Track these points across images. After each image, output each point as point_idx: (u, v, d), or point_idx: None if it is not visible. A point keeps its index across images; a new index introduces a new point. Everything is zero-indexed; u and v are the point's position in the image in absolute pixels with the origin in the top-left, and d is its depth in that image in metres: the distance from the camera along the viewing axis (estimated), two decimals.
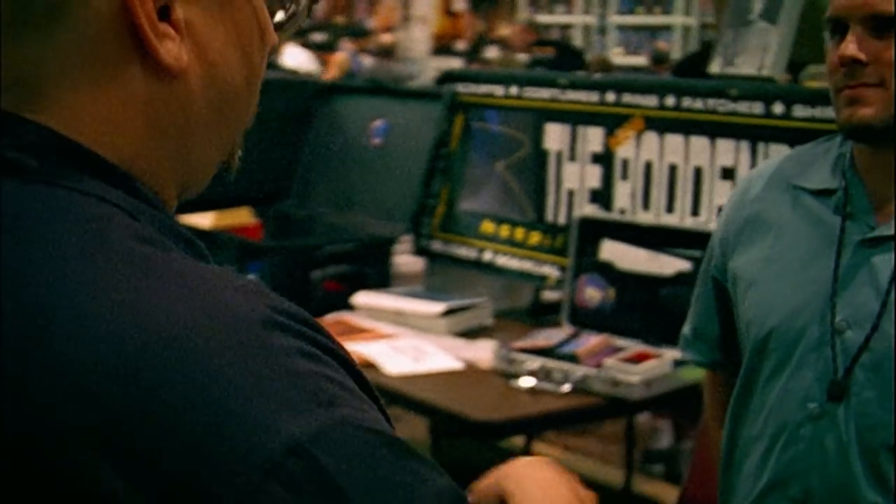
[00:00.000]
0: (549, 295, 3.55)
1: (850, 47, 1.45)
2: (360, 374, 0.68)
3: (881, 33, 1.45)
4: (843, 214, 1.54)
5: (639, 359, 2.87)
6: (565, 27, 10.00)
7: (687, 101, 3.03)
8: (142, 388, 0.61)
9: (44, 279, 0.64)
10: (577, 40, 9.62)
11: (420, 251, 3.70)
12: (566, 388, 2.74)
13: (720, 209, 2.98)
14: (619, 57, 8.69)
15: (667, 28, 9.34)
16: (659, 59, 8.55)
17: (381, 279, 3.55)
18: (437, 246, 3.67)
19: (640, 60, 8.78)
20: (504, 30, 8.88)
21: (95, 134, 0.70)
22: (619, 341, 3.00)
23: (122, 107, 0.71)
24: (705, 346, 1.80)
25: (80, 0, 0.69)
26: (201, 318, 0.63)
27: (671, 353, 2.89)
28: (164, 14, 0.71)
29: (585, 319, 3.13)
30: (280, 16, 0.81)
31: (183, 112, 0.73)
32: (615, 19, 9.68)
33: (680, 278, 3.01)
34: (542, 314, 3.48)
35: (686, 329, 1.83)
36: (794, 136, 2.81)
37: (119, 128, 0.71)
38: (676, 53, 8.67)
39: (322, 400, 0.62)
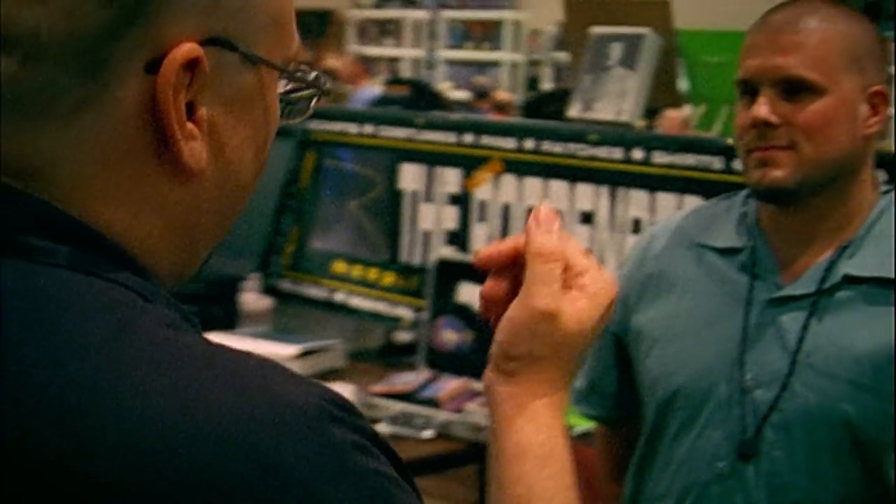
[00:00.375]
0: (401, 336, 3.51)
1: (763, 109, 1.47)
2: (394, 455, 0.66)
3: (792, 96, 1.47)
4: (751, 274, 1.55)
5: None
6: (394, 60, 10.03)
7: (546, 145, 3.05)
8: (194, 484, 0.58)
9: (75, 371, 0.60)
10: (406, 73, 9.65)
11: (268, 290, 3.60)
12: (428, 433, 2.71)
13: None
14: (448, 91, 8.76)
15: (495, 64, 9.47)
16: (480, 94, 8.65)
17: (228, 320, 3.44)
18: (286, 285, 3.58)
19: (468, 95, 8.87)
20: (332, 61, 8.83)
21: (105, 224, 0.68)
22: (479, 385, 2.98)
23: (134, 202, 0.68)
24: (600, 401, 1.79)
25: (108, 94, 0.66)
26: (257, 408, 0.60)
27: None
28: (189, 111, 0.67)
29: (443, 362, 3.10)
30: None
31: (195, 211, 0.71)
32: (444, 53, 9.77)
33: None
34: (394, 356, 3.43)
35: (579, 383, 1.81)
36: (653, 182, 2.86)
37: (129, 221, 0.69)
38: (505, 89, 8.78)
39: (379, 500, 0.61)
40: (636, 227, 2.90)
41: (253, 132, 0.72)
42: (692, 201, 2.81)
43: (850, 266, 1.49)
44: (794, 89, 1.47)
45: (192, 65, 0.67)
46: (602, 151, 2.93)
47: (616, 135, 2.92)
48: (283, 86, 0.75)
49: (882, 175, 1.57)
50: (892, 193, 1.55)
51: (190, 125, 0.68)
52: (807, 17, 1.48)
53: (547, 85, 8.85)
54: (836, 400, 1.46)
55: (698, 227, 1.65)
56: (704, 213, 1.67)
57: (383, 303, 3.37)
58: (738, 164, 2.69)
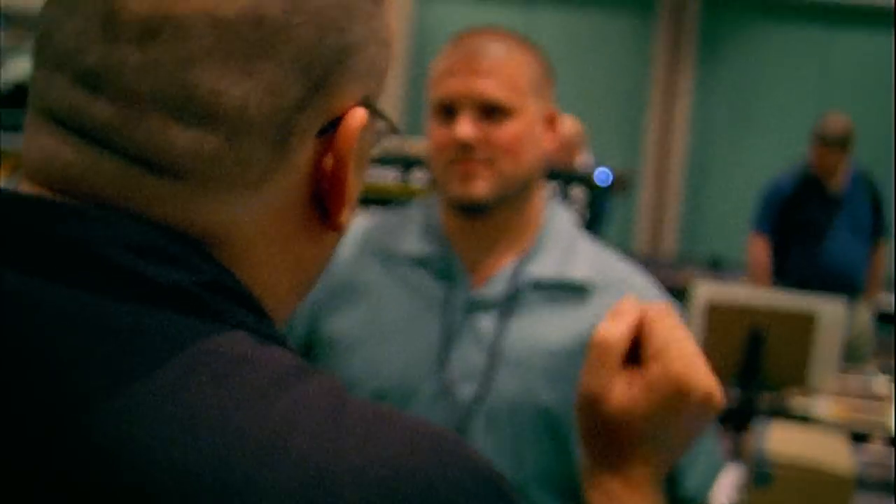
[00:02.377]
0: None
1: (466, 129, 1.59)
2: None
3: (489, 117, 1.61)
4: (445, 280, 1.67)
5: None
6: None
7: None
8: None
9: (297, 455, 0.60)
10: None
11: None
12: None
13: None
14: None
15: None
16: None
17: None
18: None
19: None
20: None
21: (256, 284, 0.69)
22: None
23: (281, 261, 0.70)
24: None
25: (288, 162, 0.67)
26: (468, 481, 0.63)
27: None
28: None
29: None
30: None
31: (316, 266, 0.73)
32: None
33: None
34: None
35: None
36: None
37: (274, 278, 0.70)
38: None
39: None
40: None
41: (361, 181, 0.73)
42: None
43: (534, 269, 1.67)
44: (491, 111, 1.61)
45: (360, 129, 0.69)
46: None
47: None
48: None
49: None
50: (556, 203, 1.75)
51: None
52: (498, 45, 1.62)
53: None
54: (534, 390, 1.62)
55: (384, 236, 1.73)
56: (387, 223, 1.76)
57: None
58: None
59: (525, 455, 1.63)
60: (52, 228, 0.63)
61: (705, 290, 3.96)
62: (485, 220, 1.66)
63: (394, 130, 0.75)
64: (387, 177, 2.92)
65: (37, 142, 0.66)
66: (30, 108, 0.67)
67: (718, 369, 3.84)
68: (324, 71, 0.66)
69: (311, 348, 1.76)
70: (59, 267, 0.62)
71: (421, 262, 1.70)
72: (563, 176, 2.75)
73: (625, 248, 8.51)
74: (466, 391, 1.64)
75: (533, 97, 1.64)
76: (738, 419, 3.68)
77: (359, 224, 1.78)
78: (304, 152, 0.67)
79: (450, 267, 1.69)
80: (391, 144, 3.34)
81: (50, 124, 0.65)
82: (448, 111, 1.63)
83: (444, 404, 1.64)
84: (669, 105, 9.16)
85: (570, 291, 1.66)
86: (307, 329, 1.75)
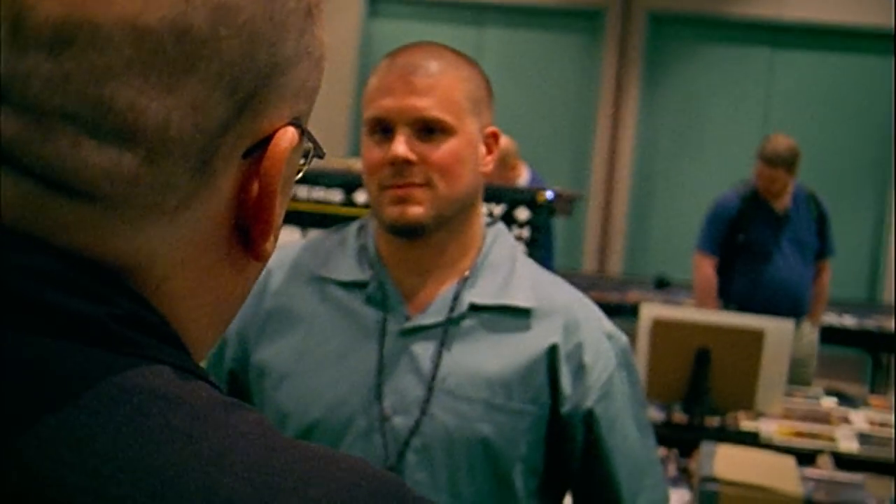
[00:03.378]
0: None
1: (402, 148, 1.53)
2: None
3: (426, 136, 1.55)
4: (380, 306, 1.61)
5: None
6: None
7: None
8: None
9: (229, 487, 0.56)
10: None
11: None
12: None
13: None
14: None
15: None
16: None
17: None
18: None
19: None
20: None
21: (174, 315, 0.63)
22: None
23: (203, 292, 0.65)
24: None
25: (211, 186, 0.62)
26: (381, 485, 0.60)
27: None
28: None
29: None
30: None
31: (239, 298, 0.68)
32: None
33: None
34: None
35: None
36: None
37: (193, 311, 0.65)
38: None
39: None
40: None
41: (285, 206, 0.68)
42: None
43: (473, 295, 1.61)
44: (427, 129, 1.55)
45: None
46: None
47: None
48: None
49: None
50: (497, 225, 1.69)
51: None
52: (435, 61, 1.56)
53: None
54: (472, 421, 1.56)
55: (316, 260, 1.67)
56: (320, 247, 1.69)
57: None
58: None
59: (461, 489, 1.57)
60: None
61: (652, 311, 3.93)
62: (422, 243, 1.60)
63: (320, 154, 0.70)
64: (332, 196, 2.85)
65: None
66: None
67: (665, 391, 3.81)
68: (251, 88, 0.61)
69: (241, 378, 1.69)
70: None
71: (355, 288, 1.64)
72: (507, 197, 2.70)
73: (572, 269, 8.48)
74: (402, 423, 1.58)
75: (471, 115, 1.58)
76: (684, 442, 3.65)
77: (291, 247, 1.71)
78: (228, 176, 0.62)
79: (385, 293, 1.62)
80: (336, 163, 3.28)
81: None
82: (383, 130, 1.57)
83: (379, 437, 1.58)
84: (617, 125, 9.17)
85: (510, 318, 1.61)
86: (237, 358, 1.68)
